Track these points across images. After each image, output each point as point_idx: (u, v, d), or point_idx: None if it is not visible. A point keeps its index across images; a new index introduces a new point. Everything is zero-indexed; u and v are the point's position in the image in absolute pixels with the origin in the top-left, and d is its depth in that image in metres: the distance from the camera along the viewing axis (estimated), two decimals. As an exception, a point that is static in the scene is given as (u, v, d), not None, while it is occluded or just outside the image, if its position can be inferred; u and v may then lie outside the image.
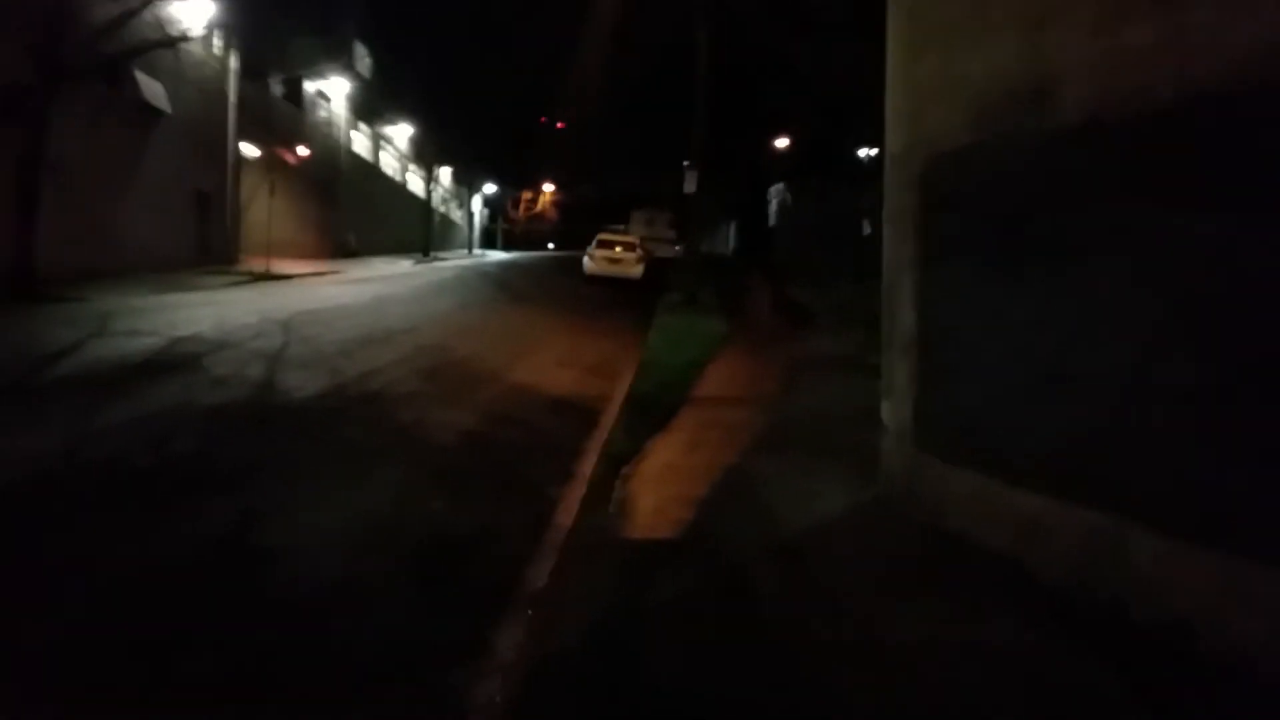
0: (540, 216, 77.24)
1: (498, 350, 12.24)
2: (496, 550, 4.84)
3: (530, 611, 4.06)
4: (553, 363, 11.69)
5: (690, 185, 21.60)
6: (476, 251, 58.31)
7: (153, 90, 20.32)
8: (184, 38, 19.79)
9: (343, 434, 6.98)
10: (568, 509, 5.53)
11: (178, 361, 9.18)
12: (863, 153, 32.17)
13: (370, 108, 40.71)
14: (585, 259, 27.15)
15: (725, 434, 7.32)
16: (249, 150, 26.75)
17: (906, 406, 5.16)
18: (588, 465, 6.51)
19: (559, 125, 67.60)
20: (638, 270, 26.43)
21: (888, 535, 4.90)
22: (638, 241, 29.42)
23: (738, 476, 6.03)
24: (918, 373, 5.07)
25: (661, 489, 5.74)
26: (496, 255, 53.13)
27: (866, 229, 17.06)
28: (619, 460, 6.45)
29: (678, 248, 36.24)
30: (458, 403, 8.42)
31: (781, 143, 41.12)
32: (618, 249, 27.25)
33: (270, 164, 25.64)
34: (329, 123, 36.54)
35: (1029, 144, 4.35)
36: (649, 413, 8.07)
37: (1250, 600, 3.34)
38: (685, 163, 22.94)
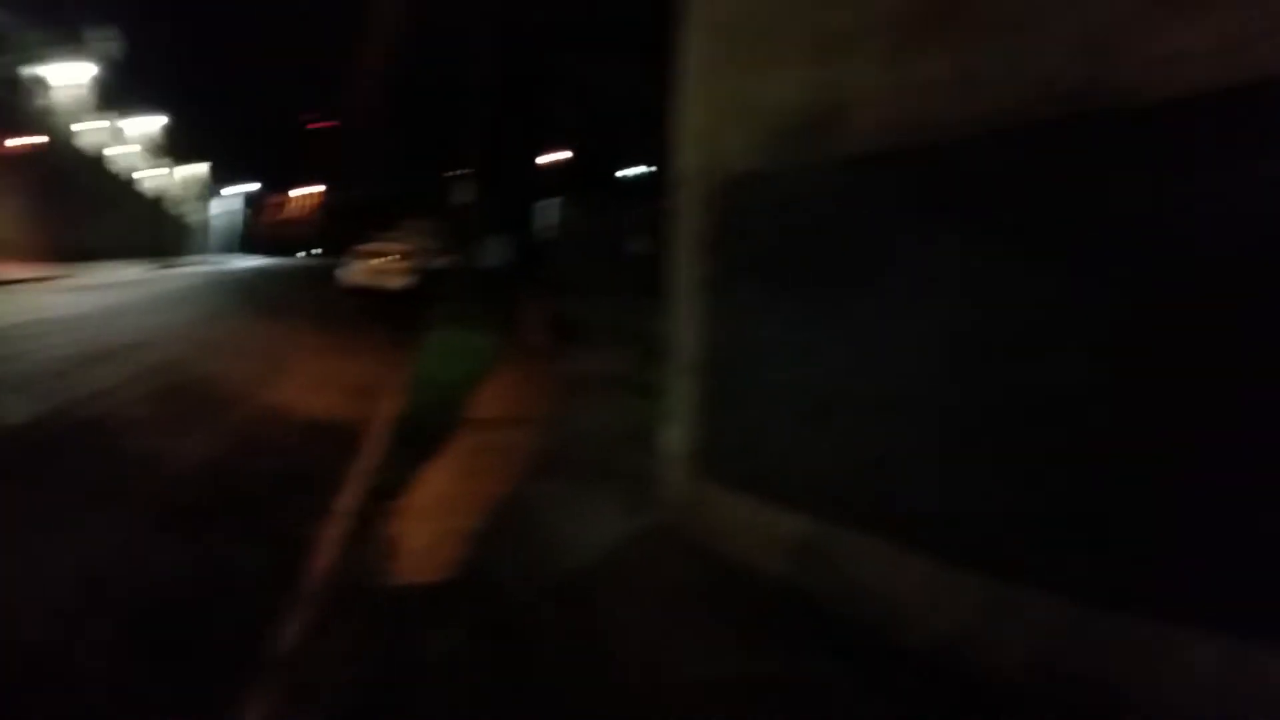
0: (304, 220, 73.36)
1: (247, 369, 11.20)
2: (241, 606, 4.21)
3: (280, 679, 3.51)
4: (310, 382, 10.81)
5: (464, 195, 21.02)
6: (231, 255, 54.53)
7: None
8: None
9: (56, 470, 6.02)
10: (326, 551, 4.93)
11: None
12: (631, 171, 32.64)
13: (110, 98, 37.02)
14: (346, 268, 25.76)
15: (501, 459, 6.92)
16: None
17: (689, 432, 5.01)
18: (350, 498, 5.91)
19: (327, 125, 64.66)
20: (403, 282, 25.32)
21: (671, 566, 4.70)
22: (407, 251, 28.30)
23: (515, 506, 5.66)
24: (702, 397, 4.93)
25: (433, 523, 5.27)
26: (253, 260, 49.93)
27: (637, 247, 17.12)
28: (385, 492, 5.90)
29: (449, 258, 35.30)
30: (198, 429, 7.53)
31: (557, 157, 41.10)
32: (384, 258, 26.00)
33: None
34: (59, 112, 32.81)
35: (820, 171, 4.30)
36: (418, 437, 7.53)
37: (1012, 622, 3.40)
38: (460, 171, 22.32)
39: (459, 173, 22.00)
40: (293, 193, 71.15)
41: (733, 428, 4.71)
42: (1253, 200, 2.74)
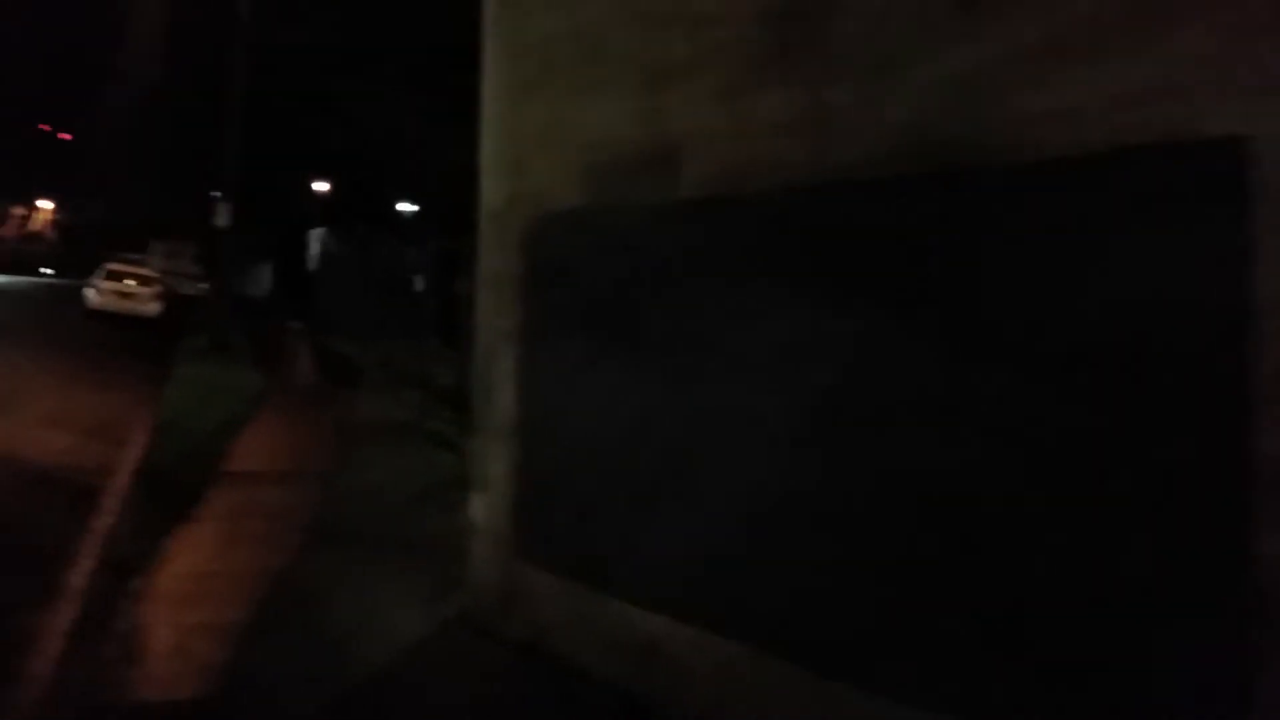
0: (36, 237, 66.05)
1: (-43, 405, 9.52)
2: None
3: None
4: (39, 421, 9.30)
5: (222, 219, 19.34)
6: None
7: None
8: None
9: None
10: (48, 650, 3.98)
11: None
12: (402, 207, 31.46)
13: None
14: (89, 290, 23.14)
15: (270, 523, 6.06)
16: None
17: (505, 505, 4.45)
18: (80, 575, 4.92)
19: (63, 135, 58.80)
20: (154, 307, 23.05)
21: (485, 668, 4.09)
22: (156, 275, 25.83)
23: (288, 587, 4.88)
24: (517, 467, 4.39)
25: (186, 612, 4.42)
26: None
27: (419, 285, 16.33)
28: (126, 566, 4.96)
29: (204, 285, 32.62)
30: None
31: (324, 186, 39.10)
32: (131, 281, 23.58)
33: None
34: None
35: (650, 213, 3.93)
36: (169, 494, 6.52)
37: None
38: (216, 194, 20.54)
39: (216, 195, 20.24)
40: (36, 205, 64.06)
41: (554, 504, 4.20)
42: (1148, 276, 2.53)
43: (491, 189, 4.66)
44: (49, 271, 57.28)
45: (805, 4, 3.50)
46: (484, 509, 4.63)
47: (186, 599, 4.62)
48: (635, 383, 3.86)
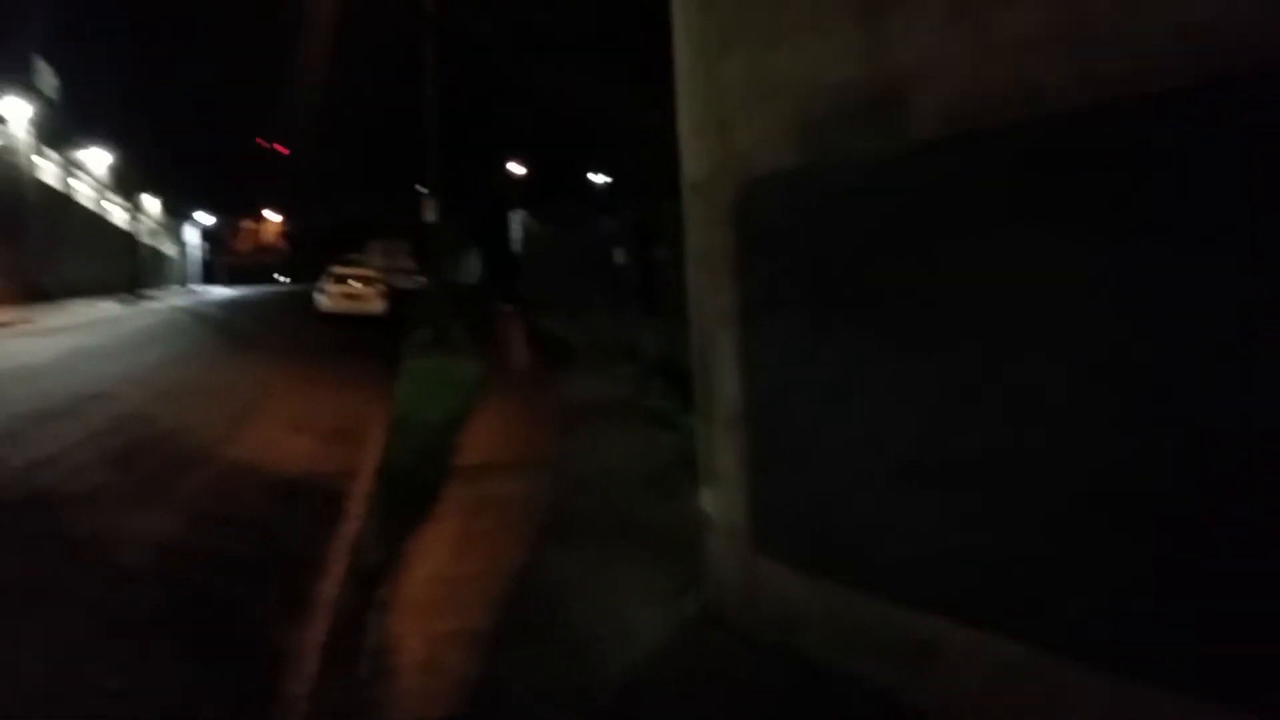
0: (267, 247, 72.12)
1: (215, 415, 10.27)
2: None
3: None
4: (284, 427, 9.92)
5: (430, 213, 20.10)
6: (194, 287, 53.34)
7: None
8: None
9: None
10: (302, 669, 4.07)
11: None
12: (596, 178, 31.76)
13: (59, 132, 35.85)
14: (319, 294, 24.82)
15: (503, 519, 6.08)
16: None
17: (738, 498, 4.14)
18: (330, 584, 5.06)
19: (281, 149, 63.53)
20: (379, 305, 24.47)
21: (736, 672, 3.81)
22: (377, 274, 27.40)
23: (528, 587, 4.81)
24: (750, 455, 4.07)
25: (433, 621, 4.42)
26: (218, 291, 48.69)
27: (619, 257, 16.31)
28: (373, 575, 5.05)
29: (420, 278, 34.32)
30: (156, 499, 6.62)
31: (520, 168, 40.16)
32: (355, 282, 25.14)
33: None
34: (8, 150, 31.65)
35: (871, 165, 3.48)
36: (407, 494, 6.68)
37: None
38: (423, 189, 21.40)
39: (423, 190, 21.06)
40: (260, 218, 70.03)
41: (795, 495, 3.85)
42: None
43: (693, 157, 4.32)
44: (282, 279, 62.37)
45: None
46: (715, 502, 4.35)
47: (432, 607, 4.63)
48: (880, 356, 3.44)
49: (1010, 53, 3.03)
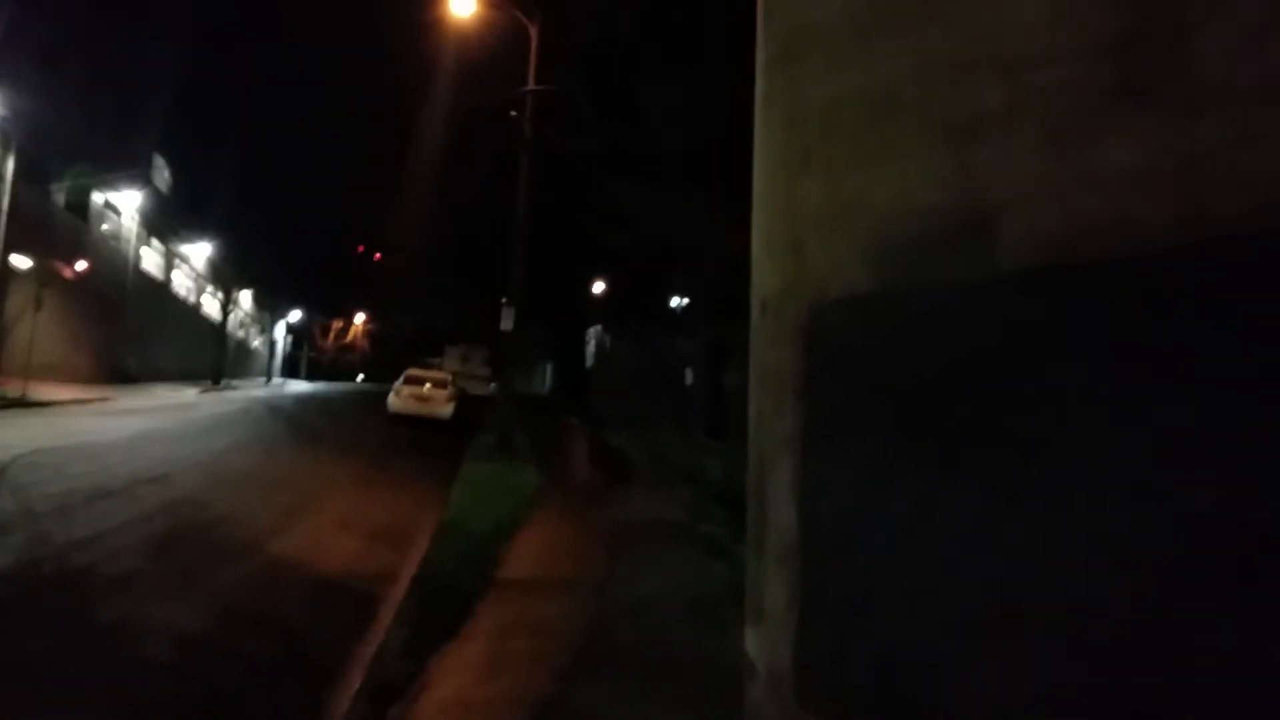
0: (350, 346, 74.04)
1: (267, 507, 10.19)
2: None
3: None
4: (333, 524, 9.77)
5: (507, 323, 20.32)
6: (276, 381, 54.78)
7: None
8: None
9: (1, 644, 4.97)
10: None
11: None
12: (674, 302, 32.08)
13: (166, 224, 37.83)
14: (391, 395, 25.12)
15: (537, 642, 5.73)
16: (20, 262, 23.58)
17: (784, 642, 3.76)
18: (344, 699, 4.75)
19: (376, 256, 65.99)
20: (448, 410, 24.59)
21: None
22: (450, 378, 27.70)
23: (552, 720, 4.44)
24: (802, 593, 3.71)
25: (444, 749, 4.09)
26: (298, 386, 49.85)
27: (689, 378, 16.17)
28: (389, 692, 4.73)
29: (492, 385, 34.71)
30: (190, 589, 6.45)
31: (600, 286, 40.86)
32: (428, 385, 25.37)
33: (43, 277, 22.54)
34: (117, 237, 33.43)
35: (954, 294, 3.23)
36: (441, 604, 6.38)
37: None
38: (503, 299, 21.76)
39: (503, 301, 21.39)
40: (345, 319, 72.26)
41: (845, 642, 3.48)
42: None
43: (764, 276, 4.12)
44: (360, 378, 63.79)
45: (1153, 27, 2.76)
46: (760, 645, 3.95)
47: (446, 733, 4.29)
48: (956, 495, 3.11)
49: (1109, 185, 2.80)
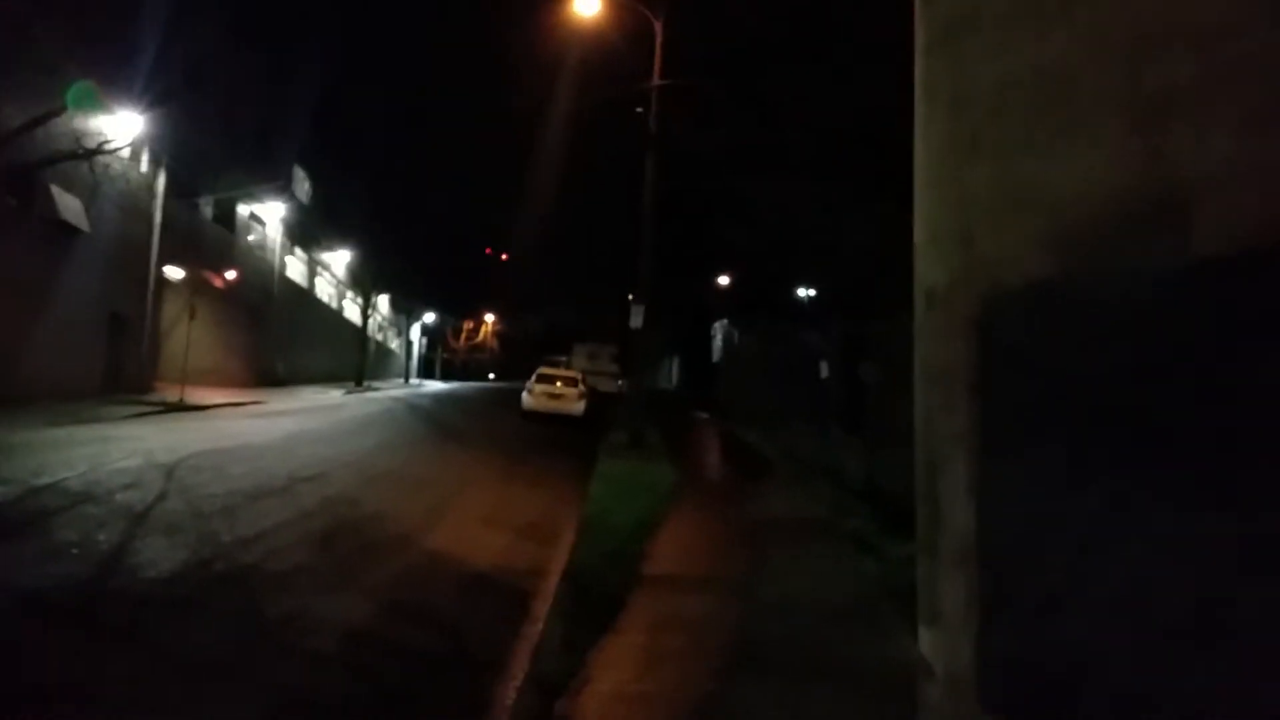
0: (481, 347, 76.00)
1: (415, 503, 10.54)
2: None
3: None
4: (478, 520, 10.03)
5: (636, 320, 20.46)
6: (414, 381, 56.69)
7: (68, 206, 18.80)
8: (100, 150, 18.44)
9: (181, 639, 5.27)
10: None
11: (17, 522, 7.45)
12: (801, 292, 31.61)
13: (307, 232, 39.61)
14: (524, 394, 25.66)
15: (690, 639, 5.73)
16: (173, 272, 25.16)
17: (963, 644, 3.65)
18: (511, 689, 4.85)
19: (503, 256, 67.55)
20: (579, 406, 24.96)
21: None
22: (580, 376, 28.09)
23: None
24: (981, 597, 3.59)
25: (611, 745, 4.12)
26: (434, 386, 51.48)
27: (824, 371, 15.89)
28: (553, 685, 4.80)
29: (620, 382, 35.00)
30: (351, 584, 6.72)
31: (726, 280, 40.67)
32: (559, 384, 25.83)
33: (195, 287, 24.01)
34: (262, 246, 35.26)
35: (1145, 280, 3.05)
36: (592, 600, 6.45)
37: None
38: (630, 296, 21.92)
39: (631, 298, 21.53)
40: (483, 319, 74.23)
41: (1033, 645, 3.34)
42: None
43: (929, 266, 3.99)
44: (491, 377, 65.38)
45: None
46: (935, 647, 3.85)
47: (611, 729, 4.33)
48: (1154, 495, 2.94)
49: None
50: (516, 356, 61.94)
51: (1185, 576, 2.83)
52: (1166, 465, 2.92)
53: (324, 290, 44.97)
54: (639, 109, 20.45)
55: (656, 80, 19.75)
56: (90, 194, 19.51)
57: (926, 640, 3.89)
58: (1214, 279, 2.86)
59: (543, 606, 6.54)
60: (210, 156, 25.85)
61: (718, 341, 41.26)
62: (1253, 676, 2.63)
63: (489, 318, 74.83)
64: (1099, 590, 3.10)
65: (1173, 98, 2.99)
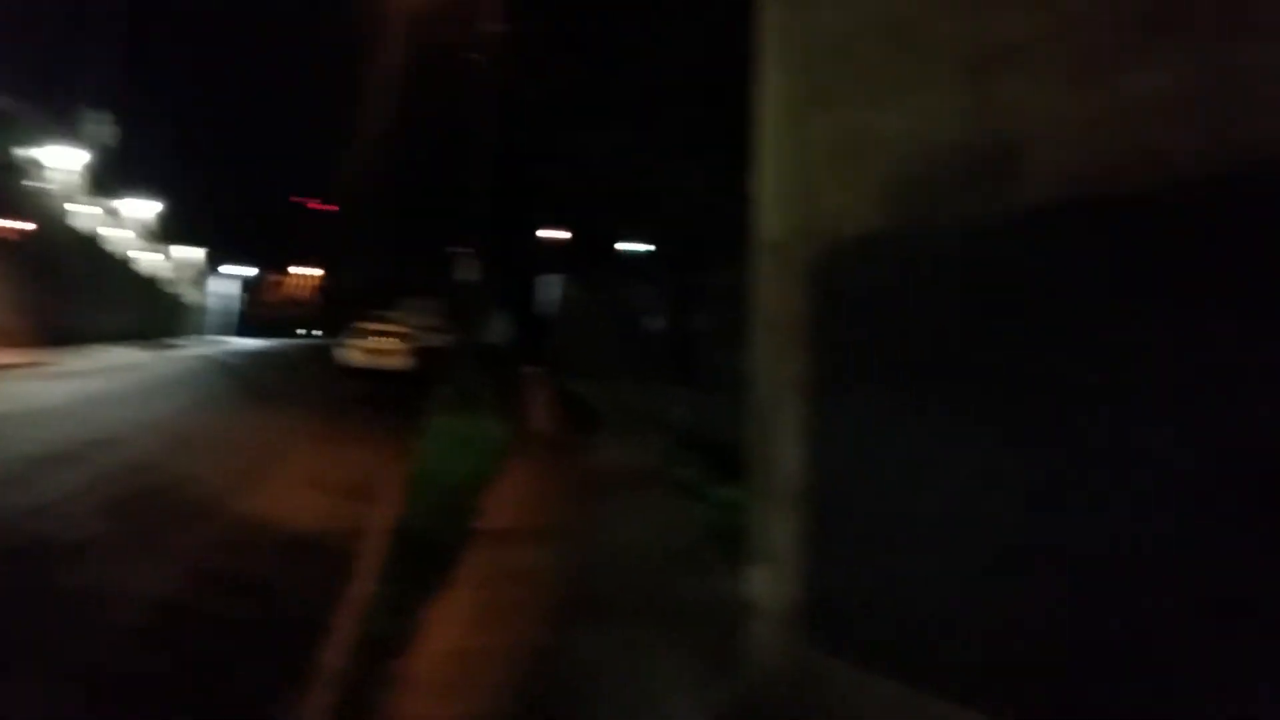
0: (300, 300, 72.68)
1: (227, 467, 9.96)
2: None
3: None
4: (298, 482, 9.57)
5: (465, 272, 20.03)
6: (223, 338, 53.63)
7: None
8: None
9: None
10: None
11: None
12: (634, 246, 31.80)
13: (105, 180, 36.46)
14: (344, 349, 24.71)
15: (527, 590, 5.66)
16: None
17: (792, 581, 3.73)
18: (337, 654, 4.64)
19: (323, 207, 64.61)
20: (404, 362, 24.27)
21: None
22: (406, 331, 27.28)
23: (550, 671, 4.38)
24: (810, 535, 3.68)
25: (448, 702, 4.01)
26: (247, 342, 48.96)
27: (656, 324, 16.06)
28: (383, 645, 4.63)
29: (449, 337, 34.30)
30: (159, 553, 6.28)
31: (558, 233, 40.34)
32: (384, 338, 24.99)
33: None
34: (51, 195, 32.13)
35: (975, 230, 3.15)
36: (423, 557, 6.27)
37: None
38: (459, 249, 21.41)
39: (459, 250, 21.04)
40: (292, 272, 70.79)
41: (859, 579, 3.45)
42: None
43: (770, 217, 4.01)
44: (303, 332, 62.64)
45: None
46: (764, 585, 3.93)
47: (446, 686, 4.21)
48: (973, 435, 3.07)
49: (1136, 116, 2.73)
50: (340, 311, 59.56)
51: (998, 513, 2.97)
52: (984, 408, 3.04)
53: (122, 242, 41.64)
54: (474, 55, 19.85)
55: (490, 26, 19.20)
56: None
57: (756, 580, 3.97)
58: (1037, 228, 2.98)
59: (369, 568, 6.31)
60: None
61: (549, 295, 41.01)
62: (1053, 603, 2.80)
63: (308, 270, 71.55)
64: (918, 529, 3.23)
65: (1008, 51, 3.07)
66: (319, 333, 61.70)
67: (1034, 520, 2.89)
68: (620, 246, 31.87)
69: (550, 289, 37.63)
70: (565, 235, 38.17)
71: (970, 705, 2.95)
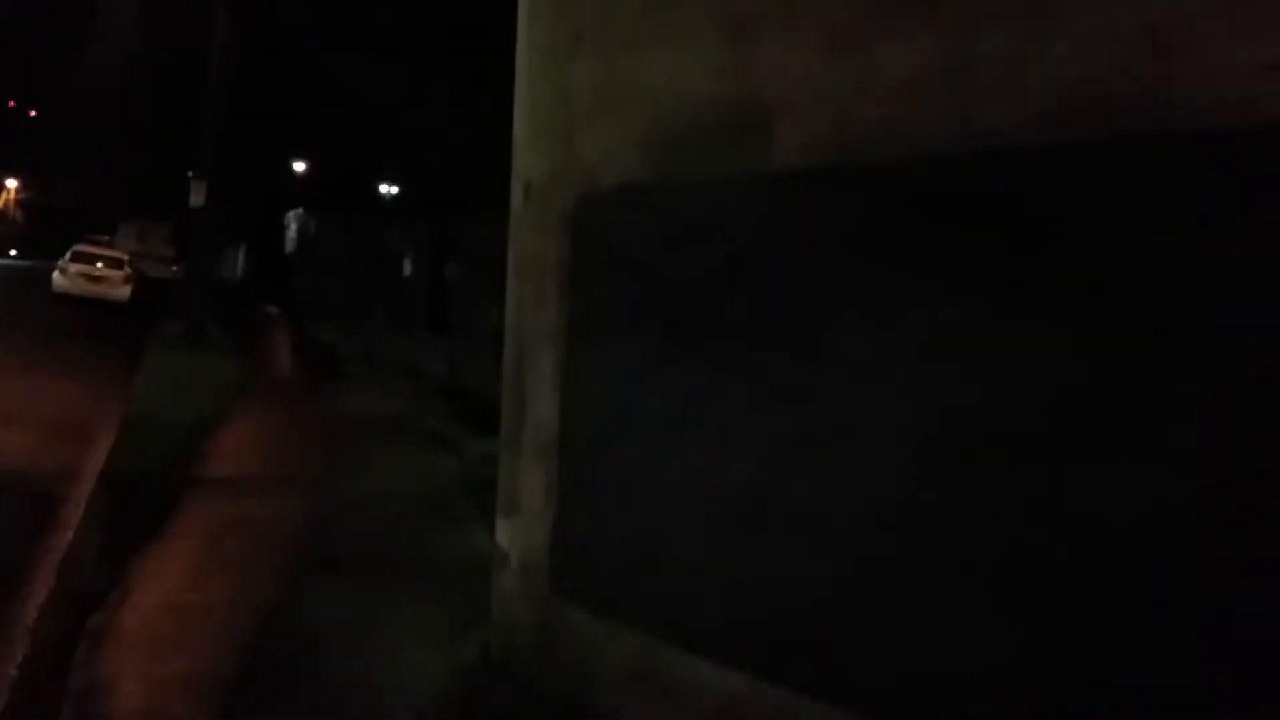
0: (4, 216, 64.34)
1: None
2: None
3: None
4: (-5, 418, 8.50)
5: (197, 198, 18.42)
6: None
7: None
8: None
9: None
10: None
11: None
12: (388, 188, 30.59)
13: None
14: (56, 274, 22.18)
15: (256, 543, 5.33)
16: None
17: (539, 533, 3.73)
18: (30, 609, 4.18)
19: (30, 112, 57.38)
20: (124, 291, 22.14)
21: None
22: (126, 258, 24.81)
23: (280, 624, 4.15)
24: (560, 488, 3.68)
25: (157, 660, 3.69)
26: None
27: (408, 269, 15.53)
28: (86, 599, 4.21)
29: (176, 268, 31.51)
30: None
31: (304, 166, 38.02)
32: (100, 264, 22.63)
33: None
34: None
35: (728, 189, 3.24)
36: (137, 506, 5.75)
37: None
38: (190, 173, 19.61)
39: (191, 174, 19.32)
40: (8, 184, 62.46)
41: (606, 534, 3.49)
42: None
43: (528, 161, 3.93)
44: (13, 254, 55.66)
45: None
46: (513, 537, 3.92)
47: (158, 642, 3.88)
48: (712, 392, 3.17)
49: (884, 90, 2.88)
50: (47, 231, 53.08)
51: (742, 466, 3.09)
52: (726, 366, 3.15)
53: None
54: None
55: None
56: None
57: (504, 530, 3.95)
58: (784, 192, 3.09)
59: (75, 514, 5.72)
60: None
61: (293, 232, 38.63)
62: (794, 554, 2.96)
63: (10, 183, 63.40)
64: (666, 481, 3.31)
65: (766, 16, 3.14)
66: (14, 253, 54.90)
67: (771, 477, 3.03)
68: (383, 190, 30.55)
69: (296, 226, 35.49)
70: (308, 168, 36.13)
71: (710, 657, 3.07)
